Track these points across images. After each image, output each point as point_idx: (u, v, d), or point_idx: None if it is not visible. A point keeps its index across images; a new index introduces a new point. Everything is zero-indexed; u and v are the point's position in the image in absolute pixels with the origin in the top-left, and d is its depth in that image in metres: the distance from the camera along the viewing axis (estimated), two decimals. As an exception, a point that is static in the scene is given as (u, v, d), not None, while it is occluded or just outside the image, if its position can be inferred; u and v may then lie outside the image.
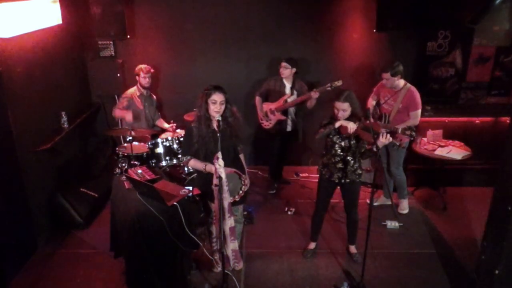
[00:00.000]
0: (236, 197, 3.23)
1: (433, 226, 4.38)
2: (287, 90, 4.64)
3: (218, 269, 3.59)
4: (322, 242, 4.05)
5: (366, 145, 3.34)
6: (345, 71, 5.23)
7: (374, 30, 4.94)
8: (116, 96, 4.99)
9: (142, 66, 4.63)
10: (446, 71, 5.21)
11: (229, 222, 3.23)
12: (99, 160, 5.37)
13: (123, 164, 3.81)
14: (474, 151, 4.58)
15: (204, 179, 3.26)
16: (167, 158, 4.40)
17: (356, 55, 5.27)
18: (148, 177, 3.51)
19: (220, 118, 3.09)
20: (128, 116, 4.50)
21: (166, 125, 4.90)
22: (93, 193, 4.51)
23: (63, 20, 4.27)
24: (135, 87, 4.71)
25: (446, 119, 5.09)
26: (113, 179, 3.73)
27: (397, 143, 3.78)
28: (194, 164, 3.24)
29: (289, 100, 4.61)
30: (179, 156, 4.35)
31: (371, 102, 4.39)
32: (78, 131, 4.86)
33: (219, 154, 2.99)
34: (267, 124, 4.79)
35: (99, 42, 5.11)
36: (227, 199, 3.11)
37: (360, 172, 3.53)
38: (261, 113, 4.79)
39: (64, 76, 4.66)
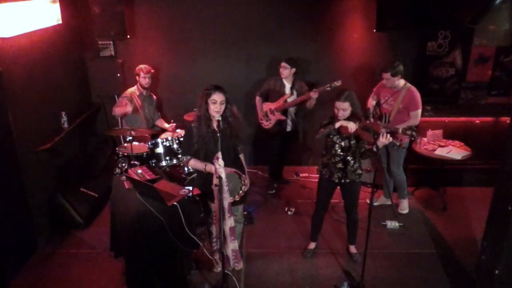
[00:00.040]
0: (236, 197, 3.23)
1: (433, 226, 4.38)
2: (287, 90, 4.64)
3: (218, 269, 3.59)
4: (322, 242, 4.05)
5: (366, 145, 3.34)
6: (345, 71, 5.23)
7: (374, 30, 4.94)
8: (116, 96, 4.99)
9: (142, 66, 4.62)
10: (446, 71, 5.21)
11: (229, 222, 3.23)
12: (99, 160, 5.38)
13: (123, 164, 3.81)
14: (474, 151, 4.58)
15: (204, 179, 3.26)
16: (167, 158, 4.39)
17: (356, 55, 5.27)
18: (148, 177, 3.51)
19: (220, 118, 3.09)
20: (128, 108, 4.49)
21: (166, 125, 4.90)
22: (93, 193, 4.51)
23: (63, 20, 4.28)
24: (135, 87, 4.71)
25: (446, 119, 5.10)
26: (113, 179, 3.73)
27: (397, 143, 3.78)
28: (194, 164, 3.24)
29: (289, 100, 4.62)
30: (179, 156, 4.35)
31: (371, 102, 4.39)
32: (78, 131, 4.86)
33: (219, 154, 2.99)
34: (267, 124, 4.79)
35: (99, 42, 5.11)
36: (227, 199, 3.11)
37: (360, 172, 3.53)
38: (261, 113, 4.79)
39: (64, 76, 4.65)
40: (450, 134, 4.86)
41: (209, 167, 3.11)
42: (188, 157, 3.23)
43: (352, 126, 3.20)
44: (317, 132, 3.45)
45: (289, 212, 4.63)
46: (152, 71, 4.69)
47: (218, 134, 3.05)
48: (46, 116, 4.23)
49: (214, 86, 3.10)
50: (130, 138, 4.19)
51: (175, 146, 4.41)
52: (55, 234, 4.17)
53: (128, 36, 4.91)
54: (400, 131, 3.41)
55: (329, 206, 3.89)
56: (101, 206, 4.59)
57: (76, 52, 5.03)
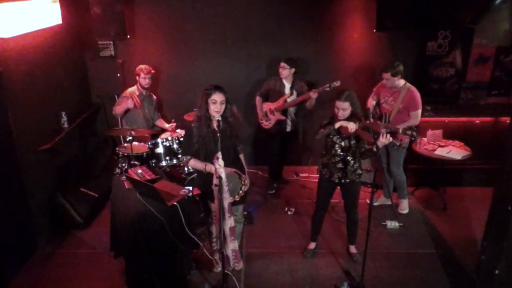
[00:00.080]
0: (236, 197, 3.23)
1: (433, 226, 4.38)
2: (287, 90, 4.64)
3: (218, 269, 3.59)
4: (322, 242, 4.05)
5: (366, 145, 3.34)
6: (345, 71, 5.24)
7: (374, 30, 4.94)
8: (116, 96, 4.99)
9: (143, 66, 4.62)
10: (446, 71, 5.21)
11: (229, 222, 3.23)
12: (99, 160, 5.38)
13: (123, 164, 3.81)
14: (474, 151, 4.58)
15: (204, 179, 3.26)
16: (167, 158, 4.39)
17: (356, 55, 5.27)
18: (148, 177, 3.51)
19: (220, 118, 3.09)
20: (129, 102, 4.49)
21: (166, 125, 4.91)
22: (93, 193, 4.51)
23: (63, 20, 4.28)
24: (135, 87, 4.71)
25: (446, 119, 5.10)
26: (113, 179, 3.73)
27: (397, 143, 3.78)
28: (194, 164, 3.24)
29: (288, 100, 4.62)
30: (179, 156, 4.35)
31: (371, 102, 4.39)
32: (78, 131, 4.86)
33: (219, 154, 2.99)
34: (266, 124, 4.79)
35: (99, 42, 5.10)
36: (227, 199, 3.11)
37: (360, 172, 3.53)
38: (261, 113, 4.79)
39: (64, 76, 4.65)
40: (450, 134, 4.86)
41: (209, 167, 3.11)
42: (188, 157, 3.23)
43: (352, 126, 3.20)
44: (317, 132, 3.45)
45: (289, 212, 4.63)
46: (152, 71, 4.68)
47: (218, 134, 3.05)
48: (46, 116, 4.23)
49: (214, 86, 3.10)
50: (130, 138, 4.19)
51: (175, 146, 4.42)
52: (55, 234, 4.17)
53: (128, 36, 4.91)
54: (400, 131, 3.41)
55: (329, 206, 3.89)
56: (101, 206, 4.59)
57: (76, 52, 5.03)
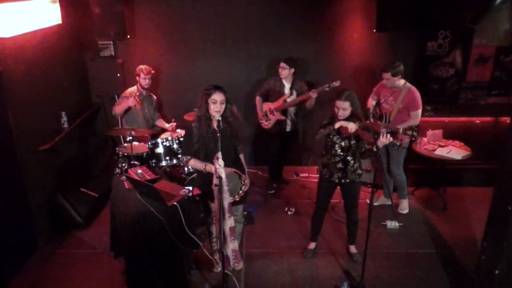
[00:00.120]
0: (236, 197, 3.23)
1: (433, 226, 4.38)
2: (286, 90, 4.64)
3: (218, 269, 3.59)
4: (322, 242, 4.05)
5: (366, 145, 3.34)
6: (345, 71, 5.24)
7: (374, 30, 4.94)
8: (116, 96, 4.99)
9: (143, 67, 4.62)
10: (446, 71, 5.21)
11: (229, 222, 3.23)
12: (99, 160, 5.38)
13: (123, 164, 3.81)
14: (474, 151, 4.58)
15: (204, 179, 3.26)
16: (167, 158, 4.40)
17: (356, 55, 5.27)
18: (148, 177, 3.51)
19: (220, 118, 3.09)
20: (130, 101, 4.49)
21: (166, 125, 4.90)
22: (93, 193, 4.51)
23: (63, 20, 4.28)
24: (135, 87, 4.71)
25: (446, 119, 5.10)
26: (113, 179, 3.73)
27: (398, 143, 3.78)
28: (194, 164, 3.24)
29: (288, 100, 4.62)
30: (179, 156, 4.35)
31: (371, 102, 4.39)
32: (78, 131, 4.86)
33: (219, 154, 2.99)
34: (266, 124, 4.79)
35: (99, 42, 5.10)
36: (227, 199, 3.11)
37: (360, 172, 3.53)
38: (261, 113, 4.79)
39: (64, 76, 4.66)
40: (450, 134, 4.86)
41: (209, 167, 3.11)
42: (188, 157, 3.23)
43: (352, 127, 3.20)
44: (317, 132, 3.45)
45: (289, 212, 4.63)
46: (153, 72, 4.68)
47: (218, 134, 3.05)
48: (46, 116, 4.23)
49: (214, 86, 3.10)
50: (130, 138, 4.19)
51: (175, 146, 4.42)
52: (55, 234, 4.17)
53: (128, 36, 4.91)
54: (400, 131, 3.41)
55: (329, 206, 3.89)
56: (101, 206, 4.59)
57: (76, 52, 5.03)
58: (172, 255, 3.20)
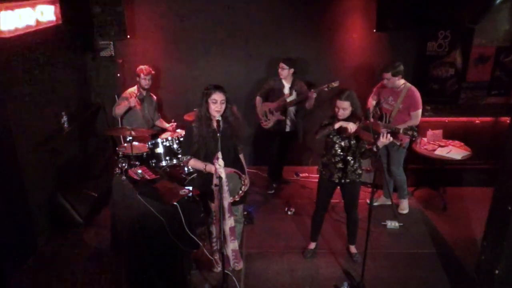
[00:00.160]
0: (236, 197, 3.23)
1: (433, 226, 4.38)
2: (286, 90, 4.64)
3: (218, 269, 3.59)
4: (322, 242, 4.05)
5: (366, 145, 3.34)
6: (345, 71, 5.24)
7: (374, 30, 4.95)
8: (116, 96, 4.99)
9: (143, 67, 4.61)
10: (446, 71, 5.21)
11: (229, 222, 3.23)
12: (99, 160, 5.38)
13: (123, 164, 3.81)
14: (474, 151, 4.58)
15: (204, 179, 3.26)
16: (167, 158, 4.39)
17: (356, 55, 5.27)
18: (148, 177, 3.51)
19: (220, 118, 3.09)
20: (132, 101, 4.49)
21: (166, 125, 4.90)
22: (93, 193, 4.51)
23: (63, 20, 4.27)
24: (135, 87, 4.71)
25: (446, 119, 5.10)
26: (113, 179, 3.73)
27: (398, 143, 3.78)
28: (194, 164, 3.24)
29: (288, 100, 4.62)
30: (179, 156, 4.35)
31: (371, 102, 4.39)
32: (78, 131, 4.86)
33: (219, 154, 2.99)
34: (266, 124, 4.79)
35: (99, 42, 5.10)
36: (227, 199, 3.11)
37: (360, 172, 3.53)
38: (260, 113, 4.79)
39: (64, 76, 4.65)
40: (450, 134, 4.86)
41: (209, 167, 3.11)
42: (188, 157, 3.23)
43: (351, 127, 3.20)
44: (317, 133, 3.45)
45: (289, 212, 4.62)
46: (153, 72, 4.67)
47: (218, 134, 3.05)
48: (46, 116, 4.22)
49: (214, 85, 3.11)
50: (130, 138, 4.18)
51: (175, 146, 4.41)
52: (55, 234, 4.17)
53: (128, 36, 4.91)
54: (401, 131, 3.41)
55: (329, 206, 3.89)
56: (101, 206, 4.59)
57: (76, 52, 5.02)
58: (172, 255, 3.20)
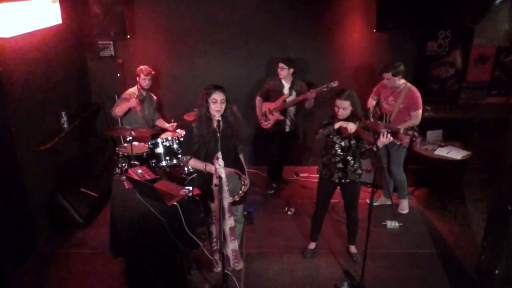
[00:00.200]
0: (236, 197, 3.23)
1: (433, 226, 4.38)
2: (286, 90, 4.64)
3: (218, 269, 3.59)
4: (322, 242, 4.05)
5: (366, 145, 3.34)
6: (345, 71, 5.24)
7: (374, 30, 4.94)
8: (116, 96, 4.99)
9: (143, 67, 4.62)
10: (446, 71, 5.21)
11: (229, 222, 3.23)
12: (99, 160, 5.37)
13: (123, 164, 3.81)
14: (474, 151, 4.57)
15: (204, 179, 3.26)
16: (167, 158, 4.39)
17: (356, 55, 5.27)
18: (148, 177, 3.51)
19: (220, 118, 3.09)
20: (132, 101, 4.49)
21: (166, 125, 4.90)
22: (93, 193, 4.51)
23: (63, 20, 4.27)
24: (135, 87, 4.71)
25: (446, 119, 5.09)
26: (113, 179, 3.73)
27: (398, 143, 3.78)
28: (194, 163, 3.24)
29: (287, 100, 4.62)
30: (179, 156, 4.35)
31: (371, 102, 4.39)
32: (78, 131, 4.86)
33: (219, 154, 3.00)
34: (265, 124, 4.79)
35: (99, 42, 5.10)
36: (227, 199, 3.11)
37: (360, 172, 3.53)
38: (260, 113, 4.79)
39: (64, 76, 4.65)
40: (450, 134, 4.86)
41: (209, 167, 3.11)
42: (188, 157, 3.23)
43: (351, 127, 3.20)
44: (317, 133, 3.44)
45: (289, 212, 4.62)
46: (153, 72, 4.68)
47: (218, 134, 3.05)
48: (46, 116, 4.23)
49: (214, 85, 3.11)
50: (130, 138, 4.19)
51: (175, 146, 4.42)
52: (55, 234, 4.17)
53: (128, 36, 4.91)
54: (401, 131, 3.40)
55: (329, 206, 3.89)
56: (101, 206, 4.59)
57: (76, 52, 5.02)
58: (172, 255, 3.20)
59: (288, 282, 3.57)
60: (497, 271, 3.02)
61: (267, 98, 4.76)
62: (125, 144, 4.58)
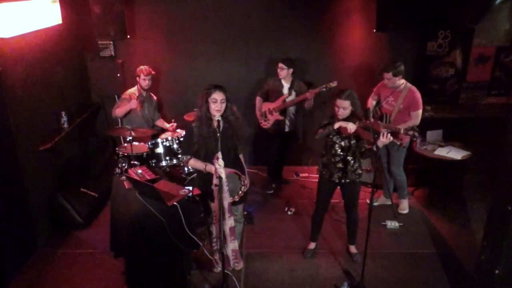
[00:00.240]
0: (236, 197, 3.23)
1: (433, 226, 4.38)
2: (285, 90, 4.64)
3: (218, 269, 3.59)
4: (322, 242, 4.05)
5: (366, 145, 3.34)
6: (345, 71, 5.23)
7: (374, 30, 4.94)
8: (116, 96, 5.00)
9: (143, 67, 4.62)
10: (446, 71, 5.21)
11: (229, 222, 3.23)
12: (99, 160, 5.38)
13: (123, 164, 3.81)
14: (474, 151, 4.57)
15: (204, 179, 3.26)
16: (167, 158, 4.40)
17: (356, 55, 5.27)
18: (148, 177, 3.51)
19: (220, 118, 3.09)
20: (133, 103, 4.50)
21: (166, 125, 4.90)
22: (93, 193, 4.51)
23: (63, 20, 4.27)
24: (135, 87, 4.71)
25: (446, 119, 5.09)
26: (113, 179, 3.73)
27: (398, 143, 3.78)
28: (194, 163, 3.24)
29: (287, 100, 4.62)
30: (179, 156, 4.35)
31: (371, 102, 4.39)
32: (78, 131, 4.86)
33: (219, 154, 2.99)
34: (265, 124, 4.80)
35: (99, 42, 5.10)
36: (227, 199, 3.11)
37: (360, 172, 3.53)
38: (259, 113, 4.79)
39: (64, 76, 4.65)
40: (450, 134, 4.86)
41: (209, 167, 3.11)
42: (188, 157, 3.23)
43: (351, 127, 3.20)
44: (316, 133, 3.44)
45: (289, 212, 4.62)
46: (153, 72, 4.67)
47: (218, 134, 3.05)
48: (46, 116, 4.23)
49: (214, 85, 3.11)
50: (130, 138, 4.18)
51: (175, 146, 4.42)
52: (55, 234, 4.17)
53: (128, 36, 4.91)
54: (402, 131, 3.40)
55: (329, 206, 3.89)
56: (101, 206, 4.59)
57: (76, 52, 5.02)
58: (172, 255, 3.20)
59: (288, 282, 3.57)
60: (497, 271, 3.02)
61: (266, 98, 4.76)
62: (125, 144, 4.58)
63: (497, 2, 4.14)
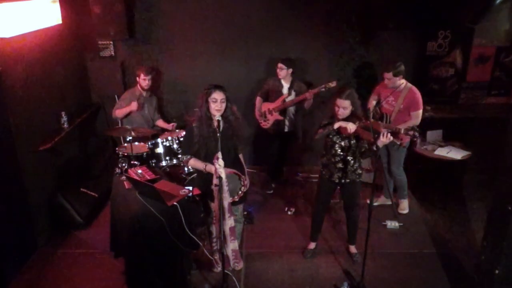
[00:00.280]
0: (236, 197, 3.23)
1: (433, 226, 4.38)
2: (285, 90, 4.64)
3: (218, 269, 3.59)
4: (322, 242, 4.05)
5: (366, 145, 3.34)
6: (345, 71, 5.23)
7: (374, 30, 4.94)
8: (116, 96, 5.00)
9: (143, 67, 4.62)
10: (446, 71, 5.22)
11: (229, 222, 3.23)
12: (99, 160, 5.38)
13: (123, 164, 3.81)
14: (474, 151, 4.57)
15: (204, 179, 3.26)
16: (167, 158, 4.40)
17: (356, 55, 5.26)
18: (148, 177, 3.51)
19: (220, 118, 3.09)
20: (133, 105, 4.50)
21: (166, 125, 4.90)
22: (93, 193, 4.51)
23: (63, 20, 4.27)
24: (135, 88, 4.71)
25: (446, 119, 5.09)
26: (113, 179, 3.73)
27: (398, 143, 3.77)
28: (194, 163, 3.24)
29: (287, 100, 4.62)
30: (179, 156, 4.35)
31: (372, 102, 4.39)
32: (78, 131, 4.86)
33: (219, 154, 2.99)
34: (264, 124, 4.80)
35: (99, 42, 5.09)
36: (227, 199, 3.11)
37: (360, 172, 3.53)
38: (258, 113, 4.80)
39: (64, 76, 4.65)
40: (450, 134, 4.86)
41: (209, 167, 3.11)
42: (188, 157, 3.23)
43: (351, 127, 3.20)
44: (316, 133, 3.44)
45: (289, 212, 4.62)
46: (153, 72, 4.67)
47: (218, 134, 3.05)
48: (46, 116, 4.23)
49: (214, 85, 3.11)
50: (130, 138, 4.19)
51: (175, 146, 4.42)
52: (55, 234, 4.17)
53: (128, 36, 4.90)
54: (402, 131, 3.40)
55: (329, 206, 3.89)
56: (101, 206, 4.59)
57: (76, 52, 5.02)
58: (172, 255, 3.21)
59: (288, 282, 3.57)
60: (497, 271, 3.02)
61: (266, 98, 4.76)
62: (125, 144, 4.58)
63: (497, 2, 4.14)
